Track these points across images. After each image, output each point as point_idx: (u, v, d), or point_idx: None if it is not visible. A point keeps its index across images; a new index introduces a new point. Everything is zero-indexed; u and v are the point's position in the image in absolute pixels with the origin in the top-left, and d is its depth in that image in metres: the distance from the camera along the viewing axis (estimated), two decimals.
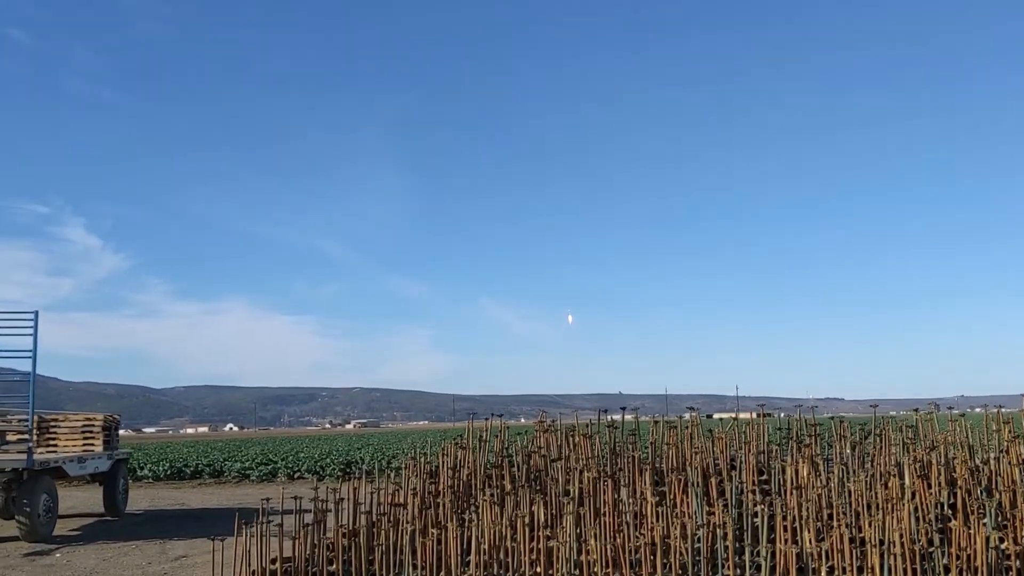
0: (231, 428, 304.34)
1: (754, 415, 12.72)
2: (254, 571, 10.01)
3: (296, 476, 33.22)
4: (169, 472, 34.38)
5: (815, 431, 11.34)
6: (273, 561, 10.04)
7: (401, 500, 10.96)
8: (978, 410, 12.16)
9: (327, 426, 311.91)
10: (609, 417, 12.42)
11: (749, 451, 10.75)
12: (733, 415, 13.90)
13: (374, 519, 10.42)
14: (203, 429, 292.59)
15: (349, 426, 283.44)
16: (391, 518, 10.37)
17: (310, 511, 10.45)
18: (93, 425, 20.39)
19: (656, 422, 12.42)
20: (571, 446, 11.65)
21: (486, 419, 12.77)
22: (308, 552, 10.08)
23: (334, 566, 9.96)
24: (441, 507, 10.60)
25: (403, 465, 11.91)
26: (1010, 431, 10.62)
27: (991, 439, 10.95)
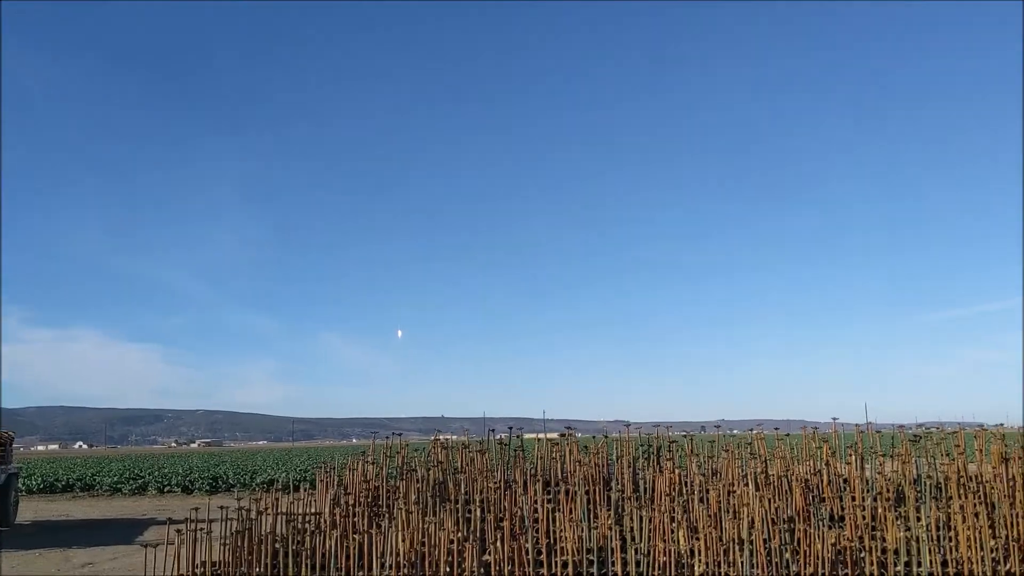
0: (80, 446, 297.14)
1: (559, 436, 14.61)
2: (182, 574, 10.91)
3: (166, 490, 34.33)
4: (42, 486, 35.11)
5: (672, 447, 13.32)
6: (202, 564, 10.96)
7: (319, 510, 12.10)
8: (753, 431, 14.55)
9: (172, 445, 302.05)
10: (498, 435, 14.02)
11: (623, 464, 12.58)
12: (539, 436, 15.46)
13: (298, 526, 11.53)
14: (53, 447, 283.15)
15: (194, 445, 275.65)
16: (313, 525, 11.52)
17: (209, 520, 11.40)
18: None
19: (539, 439, 14.12)
20: (467, 460, 13.12)
21: (386, 438, 14.04)
22: (237, 556, 11.07)
23: (262, 569, 10.97)
24: (357, 515, 11.80)
25: (317, 478, 12.99)
26: (828, 448, 12.96)
27: (812, 455, 13.23)
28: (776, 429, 15.71)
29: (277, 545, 11.27)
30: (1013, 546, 10.47)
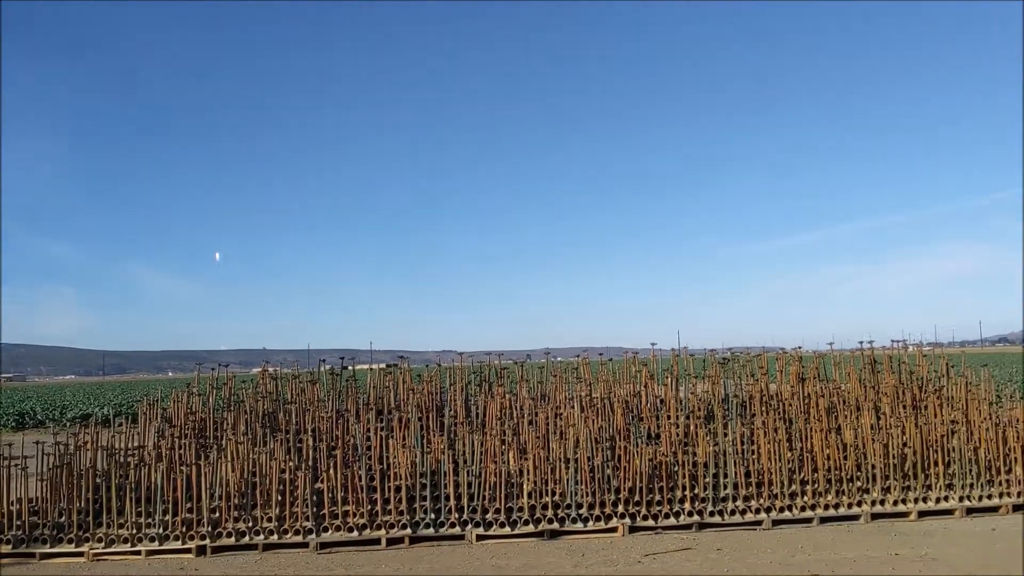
0: None
1: (386, 366, 14.82)
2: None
3: None
4: None
5: (502, 374, 13.70)
6: (18, 501, 10.44)
7: (144, 443, 11.70)
8: (579, 357, 15.23)
9: None
10: (329, 366, 13.93)
11: (456, 391, 12.85)
12: (370, 367, 15.58)
13: (120, 460, 11.12)
14: None
15: None
16: (138, 459, 11.15)
17: (24, 456, 10.89)
18: None
19: (372, 369, 14.16)
20: (298, 391, 12.99)
21: (212, 369, 13.64)
22: (56, 492, 10.60)
23: (83, 504, 10.55)
24: (184, 448, 11.50)
25: (139, 411, 12.50)
26: (647, 372, 13.72)
27: (632, 378, 13.94)
28: (600, 355, 16.44)
29: (99, 479, 10.86)
30: (807, 456, 11.56)
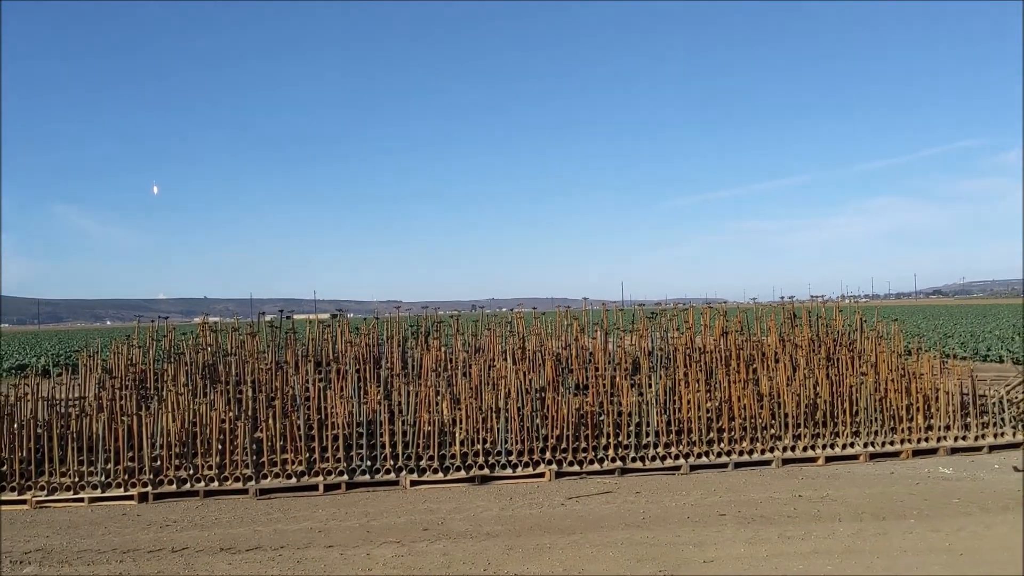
0: None
1: (330, 316, 15.20)
2: None
3: None
4: None
5: (439, 327, 14.13)
6: None
7: (85, 395, 11.92)
8: (514, 310, 15.73)
9: None
10: (269, 318, 14.22)
11: (393, 344, 13.25)
12: (311, 317, 15.90)
13: (61, 411, 11.35)
14: None
15: None
16: (79, 410, 11.39)
17: None
18: None
19: (311, 321, 14.47)
20: (238, 343, 13.27)
21: (152, 321, 13.83)
22: None
23: (24, 454, 10.78)
24: (125, 399, 11.75)
25: (80, 362, 12.67)
26: (578, 325, 14.27)
27: (565, 330, 14.49)
28: (534, 308, 16.94)
29: (40, 430, 11.09)
30: (724, 406, 12.26)
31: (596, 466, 11.44)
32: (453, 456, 11.25)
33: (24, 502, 10.44)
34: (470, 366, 12.59)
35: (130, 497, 10.54)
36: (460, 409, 11.49)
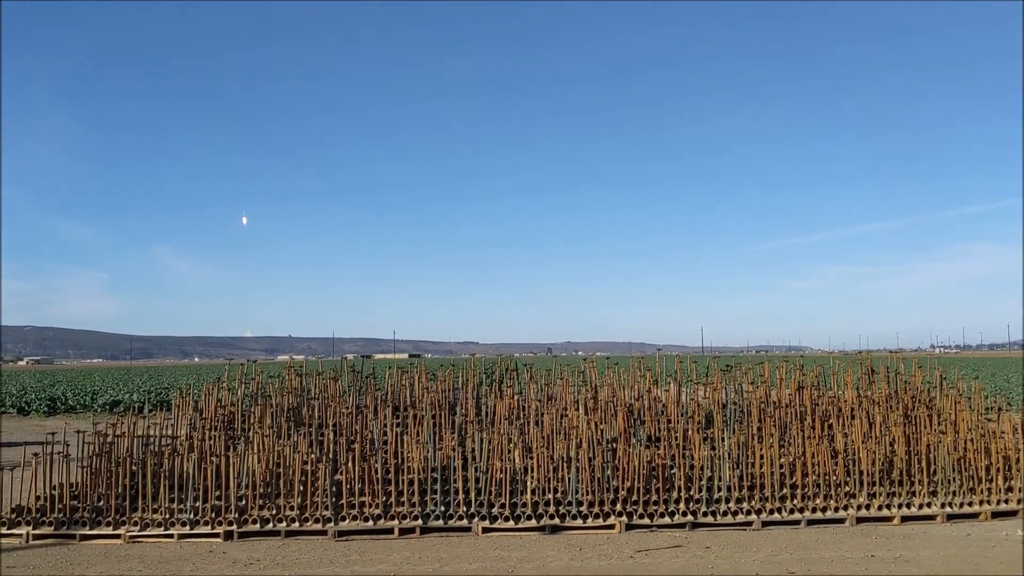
0: None
1: (408, 356, 15.63)
2: (39, 495, 11.25)
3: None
4: None
5: (513, 374, 14.44)
6: (59, 486, 11.31)
7: (177, 433, 12.57)
8: (599, 354, 15.91)
9: None
10: (348, 357, 14.75)
11: (468, 390, 13.60)
12: (390, 356, 16.42)
13: (155, 449, 11.98)
14: None
15: (21, 363, 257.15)
16: (171, 448, 12.00)
17: (65, 443, 11.73)
18: None
19: (389, 367, 14.96)
20: (321, 387, 13.81)
21: (241, 365, 14.49)
22: (95, 478, 11.47)
23: (120, 490, 11.41)
24: (214, 439, 12.34)
25: (173, 402, 13.37)
26: (651, 376, 14.41)
27: (638, 381, 14.62)
28: (608, 356, 17.06)
29: (135, 467, 11.72)
30: (798, 462, 12.22)
31: (666, 519, 11.51)
32: (524, 504, 11.46)
33: (118, 536, 11.02)
34: (542, 415, 12.84)
35: (216, 535, 11.03)
36: (532, 458, 11.73)
